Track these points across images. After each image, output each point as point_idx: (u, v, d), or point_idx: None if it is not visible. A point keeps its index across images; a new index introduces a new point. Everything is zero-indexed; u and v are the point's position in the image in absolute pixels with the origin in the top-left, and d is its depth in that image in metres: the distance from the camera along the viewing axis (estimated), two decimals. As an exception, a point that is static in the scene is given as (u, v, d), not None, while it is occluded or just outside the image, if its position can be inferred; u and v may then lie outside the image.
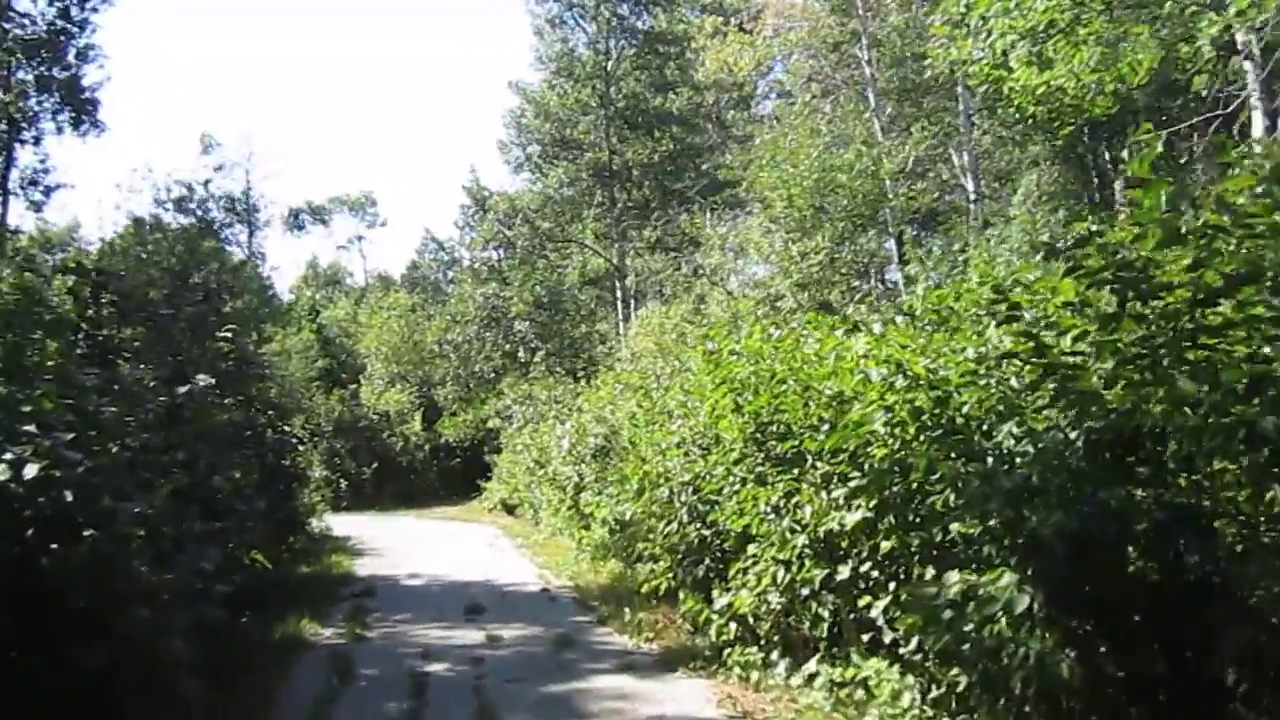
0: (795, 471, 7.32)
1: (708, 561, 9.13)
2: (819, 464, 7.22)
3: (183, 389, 6.93)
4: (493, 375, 36.17)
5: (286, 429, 16.11)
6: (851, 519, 6.32)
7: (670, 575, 10.15)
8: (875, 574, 6.55)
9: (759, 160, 17.89)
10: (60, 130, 19.73)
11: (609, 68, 33.50)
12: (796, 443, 7.24)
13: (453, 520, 28.27)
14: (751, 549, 7.59)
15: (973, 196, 23.85)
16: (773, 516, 7.28)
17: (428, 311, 43.00)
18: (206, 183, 13.94)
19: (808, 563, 7.12)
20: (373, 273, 62.09)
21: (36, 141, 19.83)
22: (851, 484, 6.45)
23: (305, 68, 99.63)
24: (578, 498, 16.68)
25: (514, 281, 35.07)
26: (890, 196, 19.21)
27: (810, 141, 17.32)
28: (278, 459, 15.10)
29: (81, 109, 19.65)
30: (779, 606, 7.54)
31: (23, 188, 19.04)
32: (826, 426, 7.27)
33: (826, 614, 7.03)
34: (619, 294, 33.04)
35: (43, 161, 19.31)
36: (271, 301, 18.22)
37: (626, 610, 11.21)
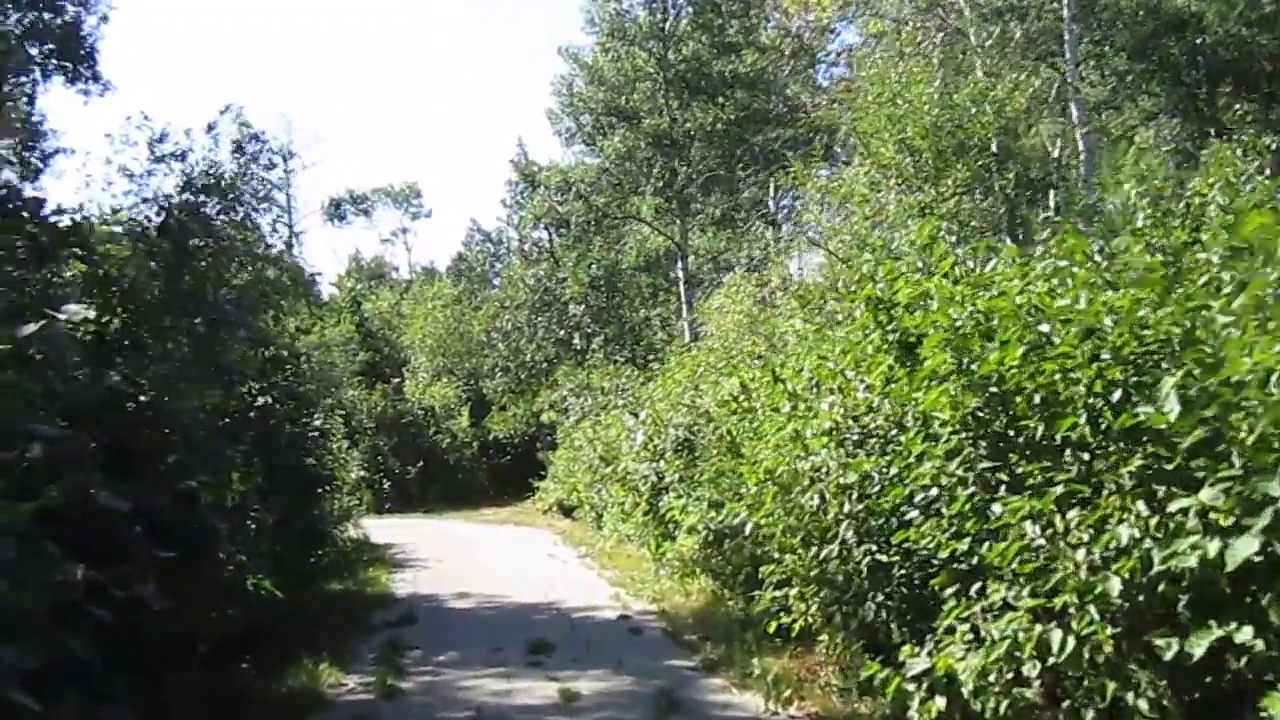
0: (1073, 469, 4.52)
1: (882, 599, 6.34)
2: (1107, 458, 4.44)
3: (30, 327, 4.26)
4: (545, 365, 33.55)
5: (310, 423, 13.52)
6: (1241, 551, 3.52)
7: (813, 610, 7.40)
8: (1258, 645, 3.75)
9: (864, 99, 15.03)
10: (48, 77, 17.37)
11: (667, 28, 30.62)
12: (1088, 419, 4.42)
13: (504, 524, 25.78)
14: (996, 589, 4.79)
15: (1083, 153, 21.04)
16: (1043, 542, 4.46)
17: (474, 301, 40.48)
18: (211, 128, 11.73)
19: (1092, 611, 4.33)
20: (417, 265, 59.65)
21: (30, 100, 17.53)
22: (1219, 486, 3.67)
23: (346, 58, 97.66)
24: (655, 501, 13.95)
25: (567, 262, 32.28)
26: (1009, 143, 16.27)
27: (925, 74, 14.46)
28: (299, 458, 12.55)
29: (79, 61, 17.28)
30: (1038, 682, 4.75)
31: (16, 153, 16.80)
32: (1118, 394, 4.50)
33: (1145, 704, 4.22)
34: (681, 274, 30.15)
35: (39, 123, 17.03)
36: (299, 277, 15.83)
37: (744, 654, 8.50)
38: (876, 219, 14.25)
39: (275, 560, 9.45)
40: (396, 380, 36.00)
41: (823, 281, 14.76)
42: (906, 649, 5.65)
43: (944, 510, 5.36)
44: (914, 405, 5.71)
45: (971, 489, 5.17)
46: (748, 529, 8.18)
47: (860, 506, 6.33)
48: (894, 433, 6.24)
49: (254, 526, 9.25)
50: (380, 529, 20.72)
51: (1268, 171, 10.64)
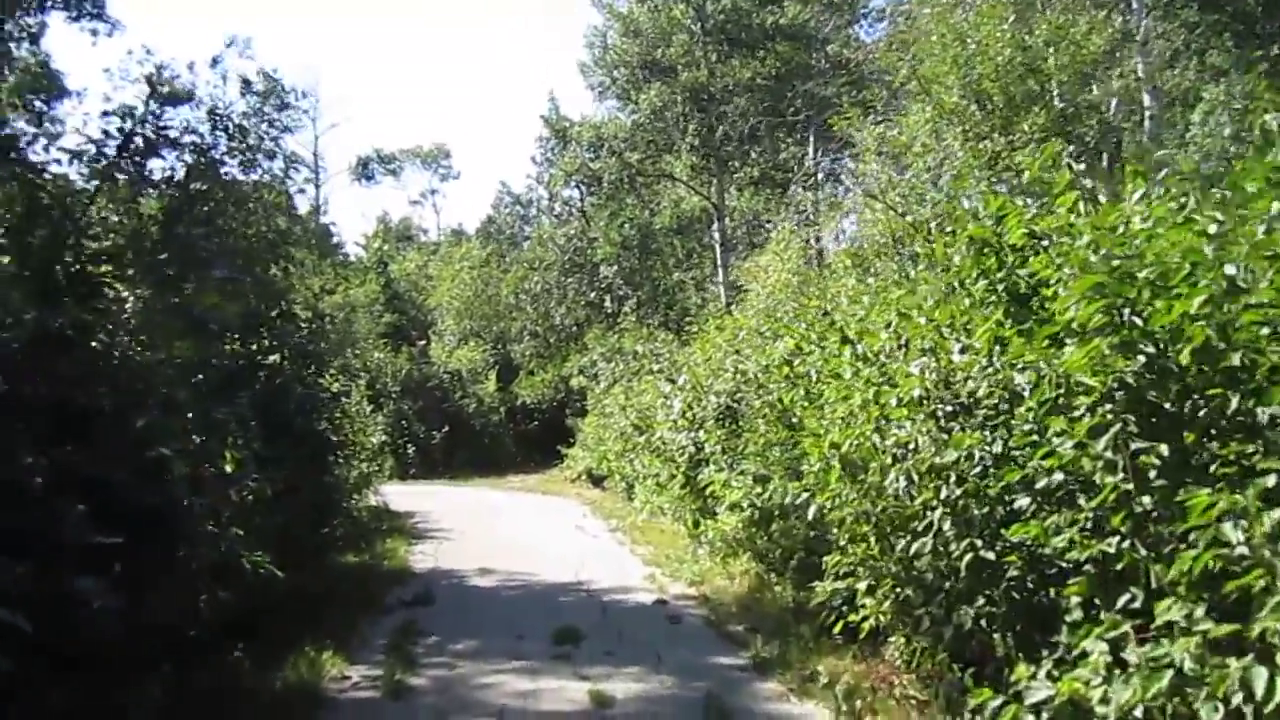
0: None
1: (983, 603, 5.24)
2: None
3: None
4: (575, 328, 32.47)
5: (324, 384, 12.50)
6: None
7: (886, 608, 6.33)
8: None
9: (927, 40, 13.74)
10: (45, 10, 16.24)
11: (705, -24, 29.20)
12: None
13: (531, 492, 24.89)
14: (1167, 606, 3.69)
15: (1149, 111, 19.60)
16: (1245, 550, 3.35)
17: (503, 264, 39.47)
18: (215, 62, 10.58)
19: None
20: (446, 228, 58.56)
21: (34, 40, 16.49)
22: None
23: (373, 18, 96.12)
24: (693, 473, 12.89)
25: (599, 221, 31.05)
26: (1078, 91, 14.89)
27: (995, 11, 13.16)
28: (309, 422, 11.55)
29: (81, -1, 16.27)
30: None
31: (19, 96, 15.77)
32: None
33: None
34: (717, 236, 28.88)
35: (44, 65, 15.97)
36: (315, 229, 14.70)
37: (800, 653, 7.46)
38: (939, 171, 12.99)
39: (278, 534, 8.49)
40: (422, 343, 35.14)
41: (878, 238, 13.52)
42: (1021, 669, 4.56)
43: (1081, 501, 4.26)
44: (1034, 369, 4.57)
45: (1121, 475, 4.06)
46: (810, 511, 7.07)
47: (959, 492, 5.22)
48: (1002, 404, 5.12)
49: (251, 498, 8.30)
50: (402, 496, 19.87)
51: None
